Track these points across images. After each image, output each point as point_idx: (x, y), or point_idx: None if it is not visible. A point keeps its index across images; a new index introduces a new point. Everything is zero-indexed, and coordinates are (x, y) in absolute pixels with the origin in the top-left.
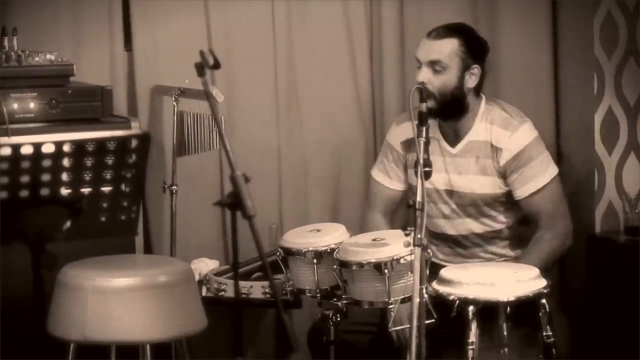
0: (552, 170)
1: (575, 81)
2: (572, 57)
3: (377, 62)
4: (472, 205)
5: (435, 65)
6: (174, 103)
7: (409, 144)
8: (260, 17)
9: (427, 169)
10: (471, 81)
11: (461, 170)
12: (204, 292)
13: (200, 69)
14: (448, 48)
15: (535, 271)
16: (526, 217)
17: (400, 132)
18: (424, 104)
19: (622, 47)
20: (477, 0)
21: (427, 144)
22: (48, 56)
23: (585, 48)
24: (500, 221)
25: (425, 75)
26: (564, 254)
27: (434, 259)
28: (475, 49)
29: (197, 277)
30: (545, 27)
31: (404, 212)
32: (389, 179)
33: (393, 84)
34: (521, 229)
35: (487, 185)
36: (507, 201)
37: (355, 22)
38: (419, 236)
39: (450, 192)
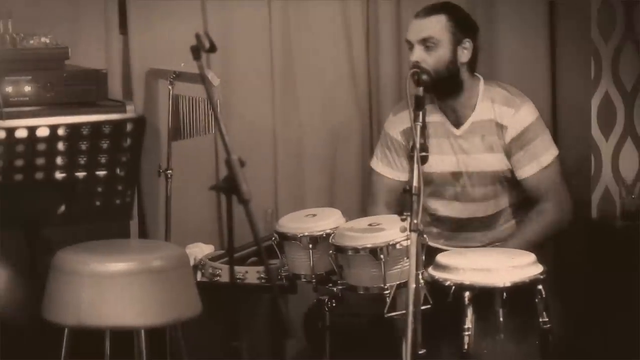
0: (554, 150)
1: (572, 66)
2: (569, 41)
3: (373, 44)
4: (479, 185)
5: (426, 42)
6: (170, 86)
7: (408, 133)
8: (257, 0)
9: (423, 153)
10: (464, 55)
11: (468, 150)
12: (198, 277)
13: (196, 52)
14: (437, 24)
15: (532, 257)
16: (526, 200)
17: (399, 121)
18: (420, 88)
19: (619, 32)
20: None
21: (423, 128)
22: (43, 39)
23: (583, 32)
24: (502, 203)
25: (418, 54)
26: (562, 229)
27: (432, 243)
28: (464, 23)
29: (192, 262)
30: (543, 11)
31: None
32: (391, 170)
33: (389, 66)
34: (521, 213)
35: (495, 162)
36: (511, 179)
37: (352, 6)
38: (415, 221)
39: (459, 174)
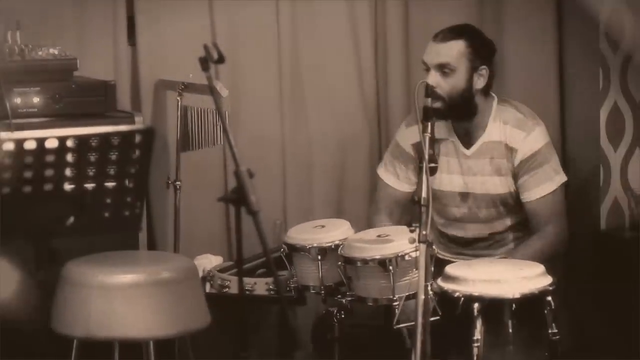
0: (561, 177)
1: (580, 76)
2: (577, 51)
3: (382, 55)
4: (486, 207)
5: (443, 68)
6: (178, 98)
7: (420, 146)
8: (265, 10)
9: (432, 164)
10: (479, 82)
11: (476, 171)
12: (207, 289)
13: (205, 63)
14: (455, 50)
15: (541, 268)
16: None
17: (411, 134)
18: (429, 99)
19: (627, 42)
20: None
21: (432, 139)
22: (51, 50)
23: (591, 42)
24: (510, 222)
25: (433, 78)
26: (552, 257)
27: (439, 255)
28: (482, 49)
29: (200, 274)
30: (551, 22)
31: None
32: (397, 180)
33: (398, 77)
34: (526, 231)
35: (501, 185)
36: (517, 200)
37: (359, 16)
38: (424, 232)
39: (466, 195)
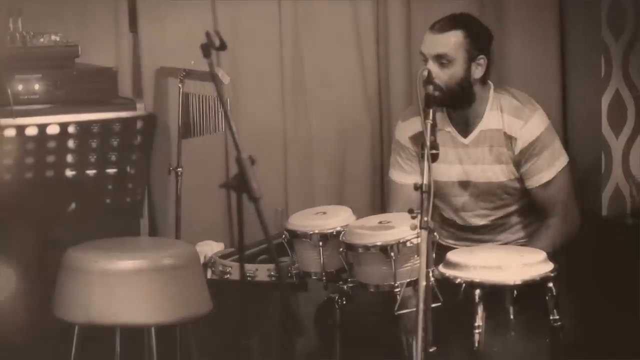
0: (564, 160)
1: (582, 64)
2: (579, 39)
3: (384, 45)
4: (487, 194)
5: (441, 59)
6: (180, 85)
7: (417, 138)
8: None
9: (434, 151)
10: (477, 72)
11: (475, 160)
12: (209, 275)
13: (206, 50)
14: (453, 40)
15: (542, 255)
16: (535, 204)
17: (407, 127)
18: (431, 85)
19: (630, 30)
20: None
21: (433, 126)
22: (53, 37)
23: (593, 30)
24: (511, 210)
25: (431, 69)
26: (570, 240)
27: (442, 241)
28: (479, 39)
29: (202, 260)
30: (552, 10)
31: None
32: (406, 175)
33: (399, 66)
34: (532, 213)
35: (503, 173)
36: (520, 188)
37: (362, 7)
38: (425, 219)
39: (465, 183)
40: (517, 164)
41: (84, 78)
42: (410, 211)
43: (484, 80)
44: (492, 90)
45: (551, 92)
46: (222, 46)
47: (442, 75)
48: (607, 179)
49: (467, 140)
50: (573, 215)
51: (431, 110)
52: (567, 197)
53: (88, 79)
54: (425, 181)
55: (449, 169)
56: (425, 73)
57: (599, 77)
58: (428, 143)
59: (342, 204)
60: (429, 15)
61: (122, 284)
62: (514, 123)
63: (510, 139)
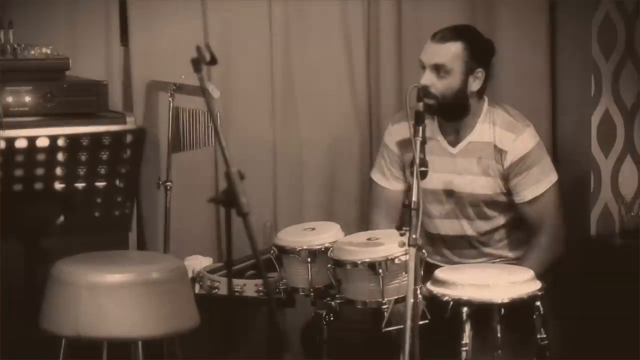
0: (553, 177)
1: (572, 83)
2: (569, 58)
3: (374, 59)
4: (470, 206)
5: (439, 69)
6: (170, 99)
7: (404, 144)
8: (258, 13)
9: (423, 168)
10: (475, 85)
11: (462, 170)
12: (197, 290)
13: (197, 64)
14: (452, 51)
15: (530, 273)
16: (521, 220)
17: (396, 132)
18: (421, 103)
19: (620, 49)
20: (476, 0)
21: (423, 143)
22: (44, 50)
23: (583, 49)
24: (496, 223)
25: (429, 78)
26: (558, 260)
27: (429, 259)
28: (480, 52)
29: (190, 274)
30: (543, 28)
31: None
32: (386, 180)
33: (389, 81)
34: (517, 230)
35: (489, 186)
36: (506, 202)
37: (352, 18)
38: (414, 236)
39: (450, 192)
40: (506, 178)
41: (75, 91)
42: (399, 228)
43: (480, 94)
44: (486, 104)
45: (541, 109)
46: (213, 60)
47: (439, 85)
48: (596, 198)
49: (455, 150)
50: (561, 236)
51: (420, 128)
52: (555, 215)
53: (78, 92)
54: (414, 199)
55: (434, 177)
56: (427, 81)
57: (589, 95)
58: (417, 160)
59: (332, 219)
60: (420, 23)
61: (110, 298)
62: (506, 136)
63: (500, 152)
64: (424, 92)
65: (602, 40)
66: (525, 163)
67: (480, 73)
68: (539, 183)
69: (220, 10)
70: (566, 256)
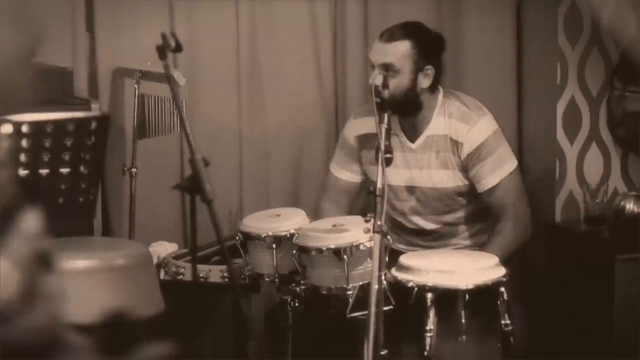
0: (512, 163)
1: (538, 70)
2: (535, 46)
3: (341, 49)
4: (434, 201)
5: (387, 69)
6: (135, 85)
7: (363, 140)
8: (224, 1)
9: (388, 155)
10: (425, 82)
11: (422, 165)
12: (162, 276)
13: (162, 51)
14: (400, 50)
15: (495, 259)
16: (486, 209)
17: (356, 125)
18: (386, 90)
19: (586, 37)
20: None
21: (388, 130)
22: None
23: (549, 37)
24: (460, 214)
25: (378, 77)
26: (524, 245)
27: (394, 246)
28: (429, 50)
29: (155, 260)
30: (509, 16)
31: (363, 200)
32: (341, 170)
33: (356, 68)
34: (482, 219)
35: (449, 179)
36: (469, 193)
37: (320, 9)
38: (378, 223)
39: (412, 189)
40: (465, 169)
41: (39, 77)
42: (364, 215)
43: (432, 89)
44: (440, 96)
45: (507, 97)
46: (178, 48)
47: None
48: (561, 185)
49: (414, 145)
50: (525, 220)
51: (386, 115)
52: (517, 201)
53: (43, 78)
54: (379, 185)
55: (396, 174)
56: (378, 81)
57: (555, 83)
58: (382, 147)
59: (297, 206)
60: (387, 17)
61: (74, 284)
62: (460, 128)
63: (456, 145)
64: (375, 91)
65: (568, 27)
66: (481, 152)
67: (430, 70)
68: (496, 171)
69: None
70: (531, 243)
